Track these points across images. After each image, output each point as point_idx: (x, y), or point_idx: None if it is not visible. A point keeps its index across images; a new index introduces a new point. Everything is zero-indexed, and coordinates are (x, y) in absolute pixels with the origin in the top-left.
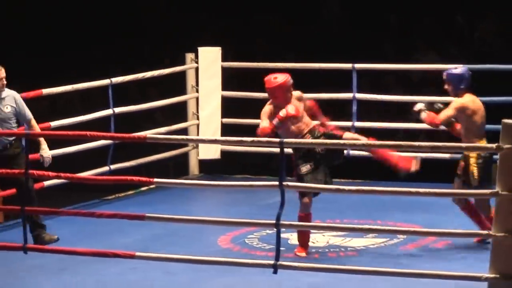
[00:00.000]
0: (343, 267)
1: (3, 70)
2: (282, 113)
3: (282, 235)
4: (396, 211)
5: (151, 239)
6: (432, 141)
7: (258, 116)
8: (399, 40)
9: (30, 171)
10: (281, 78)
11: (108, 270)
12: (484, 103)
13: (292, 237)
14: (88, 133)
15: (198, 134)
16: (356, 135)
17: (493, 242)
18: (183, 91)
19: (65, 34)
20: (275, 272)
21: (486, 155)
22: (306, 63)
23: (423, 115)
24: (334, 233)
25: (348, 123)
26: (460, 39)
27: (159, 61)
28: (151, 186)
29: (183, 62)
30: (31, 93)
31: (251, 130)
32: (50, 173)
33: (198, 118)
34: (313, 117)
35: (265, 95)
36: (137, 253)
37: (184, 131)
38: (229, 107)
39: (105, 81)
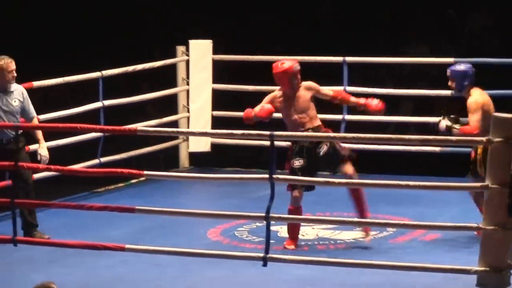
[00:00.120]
0: (332, 260)
1: (13, 63)
2: (254, 111)
3: (272, 228)
4: (386, 204)
5: (141, 232)
6: (422, 134)
7: None
8: (391, 34)
9: (20, 164)
10: (287, 64)
11: (98, 263)
12: None
13: (281, 230)
14: (78, 125)
15: (188, 127)
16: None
17: (483, 235)
18: (173, 84)
19: (57, 29)
20: (264, 264)
21: None
22: (297, 56)
23: (456, 131)
24: (324, 226)
25: (338, 116)
26: (452, 33)
27: (150, 54)
28: (141, 179)
29: (174, 55)
30: (22, 86)
31: (242, 123)
32: (40, 166)
33: (188, 111)
34: (341, 105)
35: (255, 87)
36: (127, 246)
37: (175, 123)
38: (219, 100)
39: (96, 74)
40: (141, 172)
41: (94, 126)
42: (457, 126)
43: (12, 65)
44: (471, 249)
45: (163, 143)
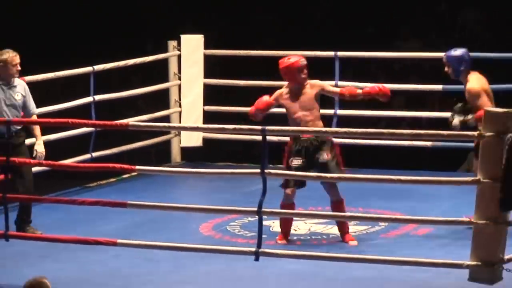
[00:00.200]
0: (325, 255)
1: (17, 57)
2: (255, 104)
3: (264, 223)
4: (378, 199)
5: (133, 227)
6: (414, 129)
7: (240, 104)
8: (383, 28)
9: (11, 159)
10: (292, 60)
11: (90, 258)
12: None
13: (274, 225)
14: (70, 120)
15: (180, 122)
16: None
17: (474, 230)
18: (165, 79)
19: (49, 25)
20: (257, 259)
21: None
22: (288, 51)
23: (471, 121)
24: (316, 220)
25: (330, 111)
26: (443, 26)
27: (142, 48)
28: (133, 174)
29: (165, 50)
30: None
31: (233, 118)
32: (32, 161)
33: (180, 106)
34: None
35: (246, 82)
36: (119, 241)
37: (167, 118)
38: (211, 94)
39: (88, 69)
40: (133, 167)
41: (85, 121)
42: (469, 116)
43: (17, 59)
44: (463, 243)
45: (155, 138)
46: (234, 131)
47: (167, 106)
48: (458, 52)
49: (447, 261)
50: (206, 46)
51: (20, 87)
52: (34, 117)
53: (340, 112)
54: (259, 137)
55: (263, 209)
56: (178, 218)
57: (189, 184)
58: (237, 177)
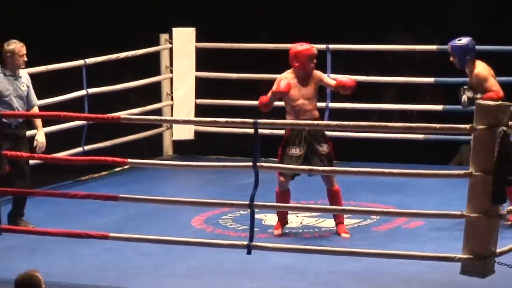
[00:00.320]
0: (317, 248)
1: (24, 47)
2: (271, 91)
3: (256, 216)
4: (369, 192)
5: (125, 220)
6: (405, 122)
7: (231, 97)
8: (374, 21)
9: (3, 152)
10: (304, 47)
11: (81, 251)
12: (458, 83)
13: (266, 218)
14: (62, 113)
15: (172, 115)
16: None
17: (466, 223)
18: (157, 72)
19: (40, 17)
20: (249, 252)
21: None
22: (280, 44)
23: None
24: (308, 214)
25: (322, 104)
26: (434, 19)
27: (133, 41)
28: (125, 167)
29: (157, 43)
30: None
31: (225, 111)
32: (24, 154)
33: (172, 99)
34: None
35: (238, 75)
36: (111, 234)
37: (158, 111)
38: (203, 88)
39: (79, 62)
40: (125, 160)
41: (77, 114)
42: (478, 95)
43: (23, 49)
44: (455, 236)
45: (146, 131)
46: (226, 124)
47: (159, 99)
48: (462, 41)
49: (439, 254)
50: (198, 39)
51: (25, 78)
52: (36, 108)
53: (332, 105)
54: (251, 130)
55: (255, 203)
56: (170, 212)
57: (181, 177)
58: (229, 170)
